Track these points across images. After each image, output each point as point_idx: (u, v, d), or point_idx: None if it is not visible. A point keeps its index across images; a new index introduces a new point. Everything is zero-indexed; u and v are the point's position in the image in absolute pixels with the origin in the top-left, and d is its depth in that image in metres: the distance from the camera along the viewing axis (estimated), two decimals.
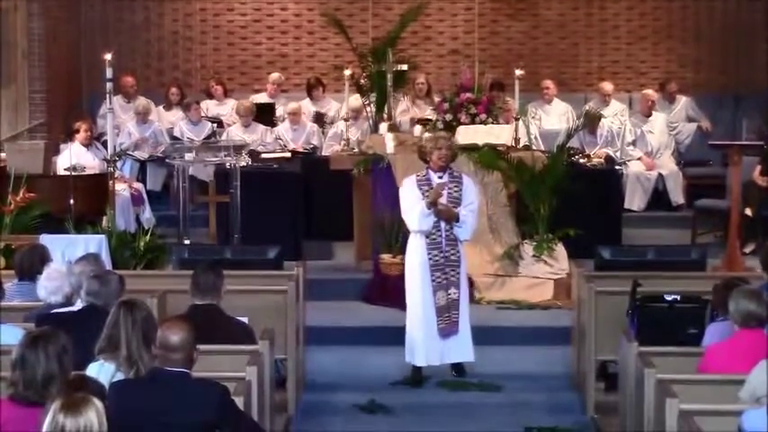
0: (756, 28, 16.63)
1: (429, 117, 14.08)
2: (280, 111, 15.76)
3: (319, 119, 15.71)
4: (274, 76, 16.31)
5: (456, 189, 9.81)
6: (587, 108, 15.38)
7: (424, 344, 9.80)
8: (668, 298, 8.60)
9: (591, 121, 14.58)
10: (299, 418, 9.17)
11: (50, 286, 7.89)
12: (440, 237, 9.76)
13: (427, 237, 9.77)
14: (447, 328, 9.80)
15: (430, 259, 9.76)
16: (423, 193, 9.74)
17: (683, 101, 16.33)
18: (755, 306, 6.97)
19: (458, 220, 9.74)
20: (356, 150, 13.16)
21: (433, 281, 9.79)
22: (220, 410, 5.96)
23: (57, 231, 11.06)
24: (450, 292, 9.78)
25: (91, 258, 8.32)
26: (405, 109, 15.35)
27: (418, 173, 9.97)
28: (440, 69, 16.86)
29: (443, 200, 9.74)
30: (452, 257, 9.79)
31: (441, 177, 9.81)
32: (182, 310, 7.85)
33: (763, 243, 12.44)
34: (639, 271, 9.43)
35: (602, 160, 14.46)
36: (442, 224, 9.75)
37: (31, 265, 8.61)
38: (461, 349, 9.89)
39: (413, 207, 9.77)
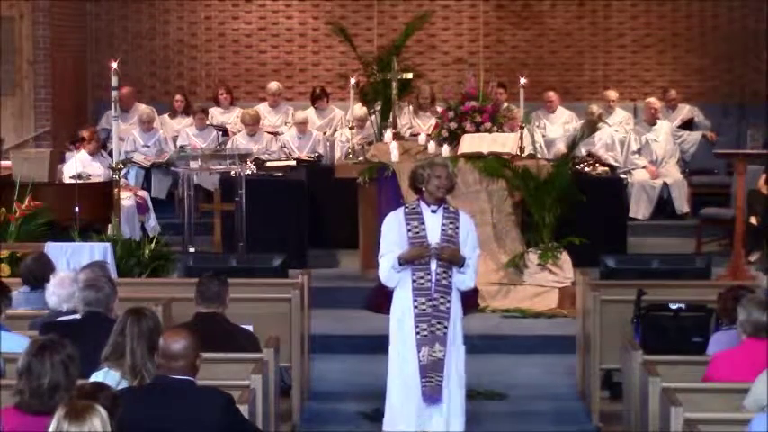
0: (761, 37, 16.62)
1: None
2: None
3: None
4: (272, 86, 16.22)
5: (452, 227, 8.09)
6: (591, 108, 15.31)
7: (404, 408, 8.12)
8: (673, 306, 8.60)
9: (591, 129, 14.59)
10: (303, 426, 9.17)
11: (63, 294, 7.88)
12: (429, 282, 8.05)
13: (414, 280, 8.07)
14: (428, 392, 8.05)
15: (416, 308, 8.05)
16: (409, 231, 8.08)
17: (686, 109, 16.32)
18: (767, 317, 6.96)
19: (462, 265, 8.09)
20: (361, 159, 13.18)
21: (417, 333, 8.06)
22: (225, 418, 5.95)
23: (62, 239, 11.07)
24: (435, 349, 8.06)
25: (96, 266, 8.32)
26: (406, 123, 15.31)
27: (408, 204, 8.42)
28: (444, 78, 16.85)
29: (436, 237, 8.05)
30: (441, 307, 8.05)
31: (434, 212, 8.11)
32: (187, 319, 7.87)
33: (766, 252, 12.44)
34: (644, 279, 9.44)
35: (606, 169, 14.47)
36: (433, 266, 8.03)
37: (37, 273, 8.63)
38: (442, 418, 8.12)
39: (387, 254, 8.11)
